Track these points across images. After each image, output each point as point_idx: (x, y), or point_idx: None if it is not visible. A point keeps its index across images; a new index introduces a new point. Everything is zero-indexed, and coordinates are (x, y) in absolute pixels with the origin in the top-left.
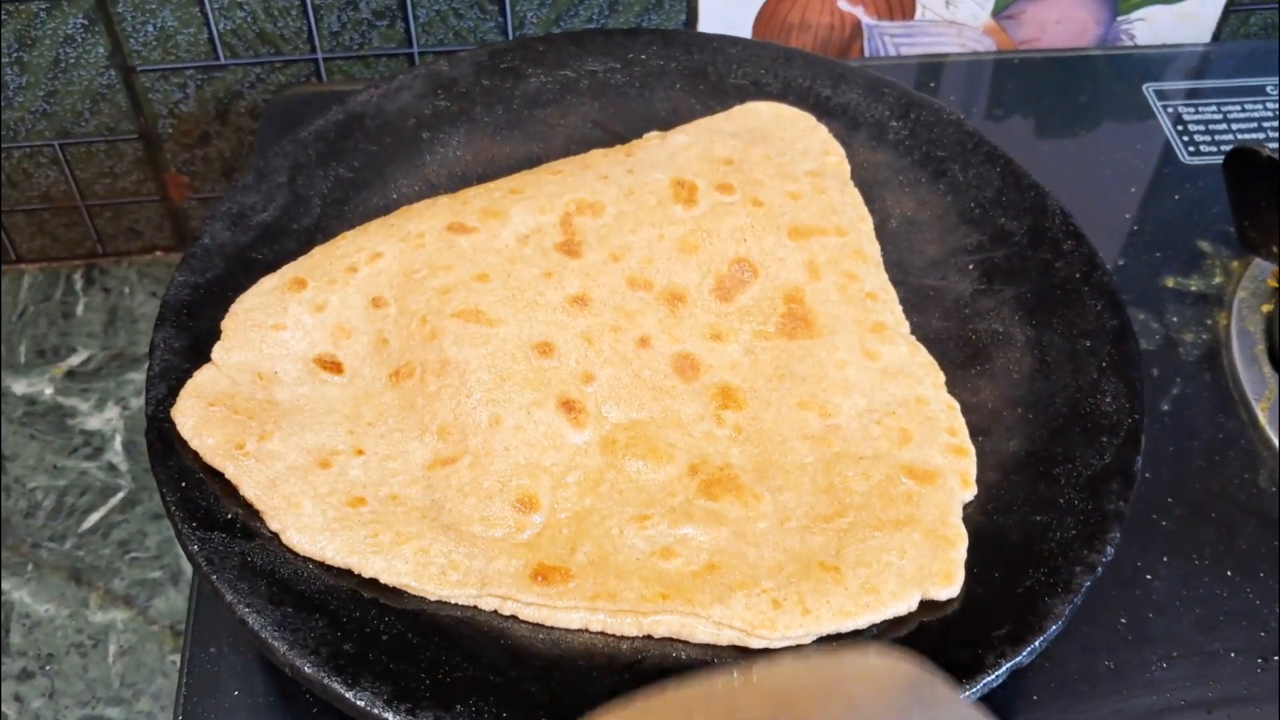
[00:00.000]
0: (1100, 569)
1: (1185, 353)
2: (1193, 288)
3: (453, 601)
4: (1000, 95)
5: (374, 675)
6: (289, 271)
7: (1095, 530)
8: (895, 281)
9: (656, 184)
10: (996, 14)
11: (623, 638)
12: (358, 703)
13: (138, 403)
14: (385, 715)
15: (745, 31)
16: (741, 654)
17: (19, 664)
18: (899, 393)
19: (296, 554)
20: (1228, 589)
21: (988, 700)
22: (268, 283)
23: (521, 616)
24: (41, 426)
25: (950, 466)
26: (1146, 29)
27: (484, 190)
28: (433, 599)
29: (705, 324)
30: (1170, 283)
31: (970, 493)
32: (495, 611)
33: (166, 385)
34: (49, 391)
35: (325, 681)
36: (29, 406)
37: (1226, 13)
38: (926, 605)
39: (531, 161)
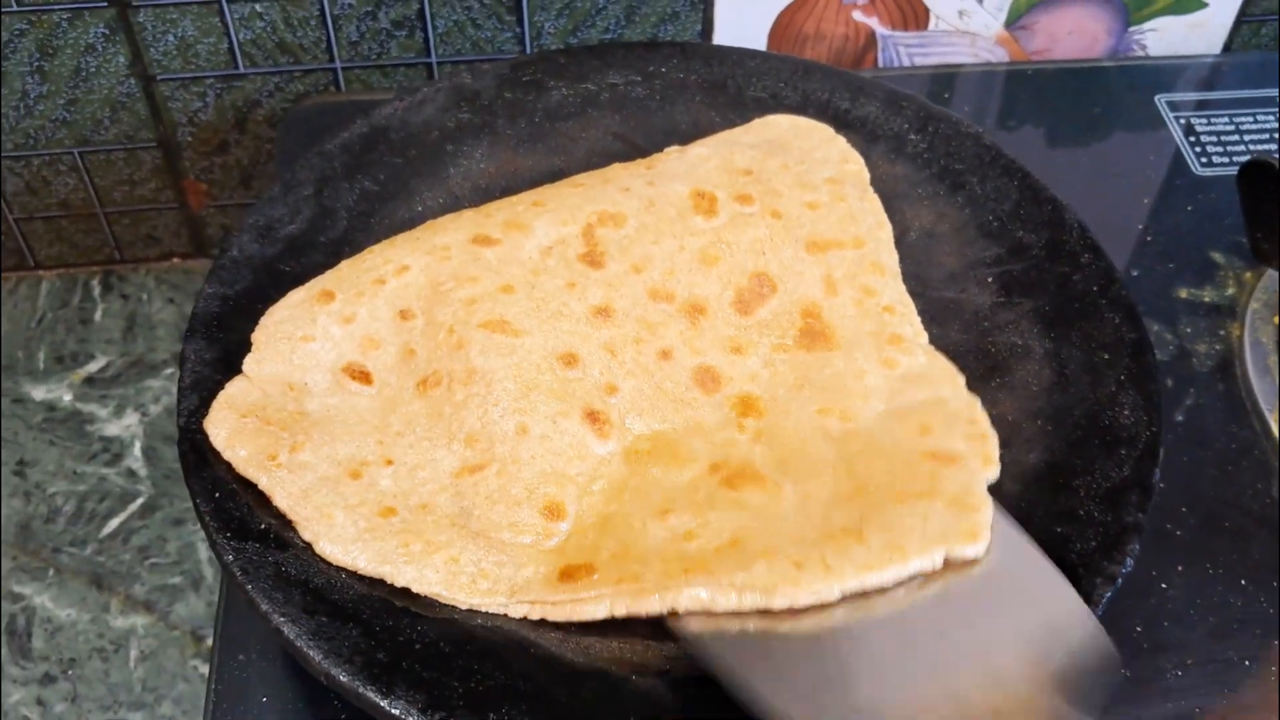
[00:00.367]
0: (1120, 580)
1: (1199, 364)
2: (1205, 299)
3: (483, 610)
4: (1013, 106)
5: (408, 684)
6: (317, 284)
7: (1115, 542)
8: (914, 294)
9: (677, 195)
10: (1009, 25)
11: (650, 645)
12: (393, 711)
13: (156, 409)
14: None
15: (760, 42)
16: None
17: (41, 669)
18: (919, 395)
19: (329, 564)
20: (1241, 598)
21: None
22: (296, 295)
23: (550, 618)
24: (61, 432)
25: (972, 450)
26: (1158, 40)
27: (507, 204)
28: (463, 608)
29: (725, 336)
30: (1183, 294)
31: (994, 471)
32: (524, 618)
33: (198, 397)
34: (68, 398)
35: (360, 690)
36: (49, 412)
37: (1238, 24)
38: None
39: (554, 174)
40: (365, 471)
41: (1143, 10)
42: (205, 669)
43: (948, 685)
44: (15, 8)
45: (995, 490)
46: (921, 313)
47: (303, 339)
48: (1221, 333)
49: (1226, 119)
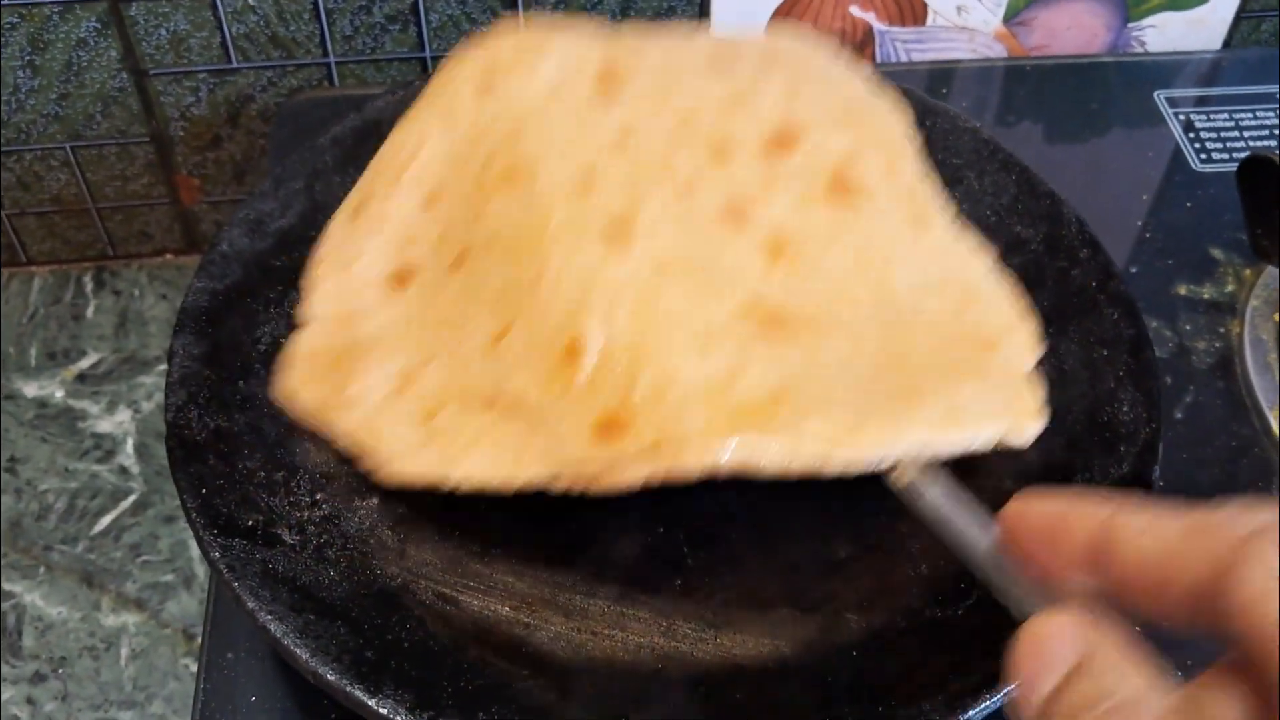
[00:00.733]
0: None
1: (1198, 360)
2: (1205, 295)
3: (531, 489)
4: (1011, 101)
5: (396, 682)
6: (351, 199)
7: None
8: None
9: (694, 54)
10: (1008, 20)
11: (643, 645)
12: (380, 710)
13: (149, 405)
14: None
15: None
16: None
17: (31, 667)
18: (951, 269)
19: (317, 560)
20: None
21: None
22: (335, 222)
23: (592, 492)
24: (53, 429)
25: (1014, 331)
26: (1157, 35)
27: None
28: (510, 494)
29: (754, 176)
30: (1182, 290)
31: (1038, 353)
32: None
33: (186, 392)
34: (60, 394)
35: (348, 689)
36: (40, 409)
37: (1238, 20)
38: (942, 618)
39: None
40: (413, 378)
41: (1142, 6)
42: (196, 667)
43: None
44: (6, 1)
45: (995, 490)
46: None
47: (344, 267)
48: (1221, 329)
49: (1226, 115)
